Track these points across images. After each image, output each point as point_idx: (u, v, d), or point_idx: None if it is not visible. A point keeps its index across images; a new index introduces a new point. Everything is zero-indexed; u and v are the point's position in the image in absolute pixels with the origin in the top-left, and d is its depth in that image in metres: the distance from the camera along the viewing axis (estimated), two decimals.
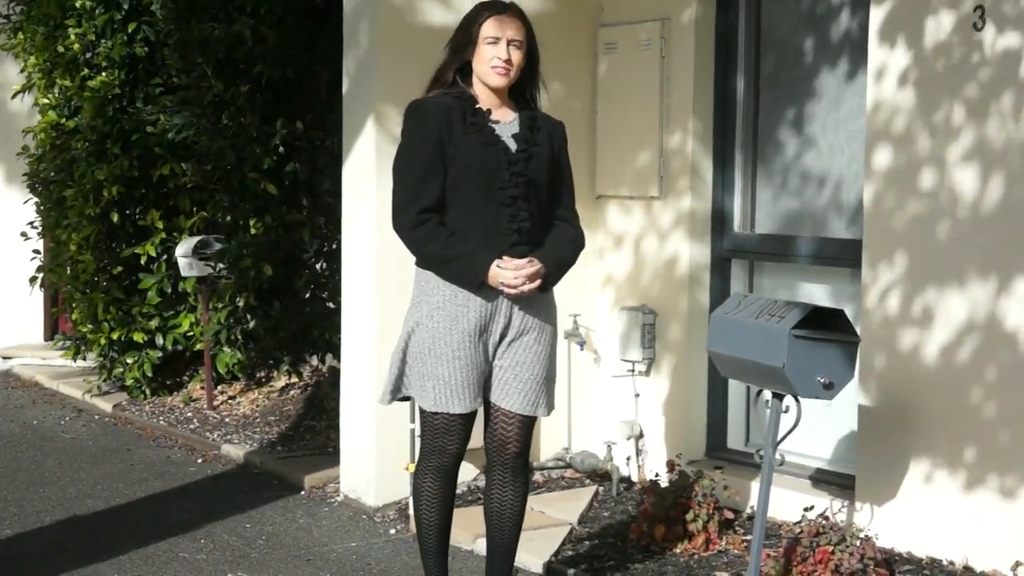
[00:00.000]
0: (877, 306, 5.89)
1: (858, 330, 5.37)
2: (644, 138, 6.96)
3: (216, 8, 8.68)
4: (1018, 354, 5.41)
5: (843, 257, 6.30)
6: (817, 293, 6.55)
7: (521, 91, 4.72)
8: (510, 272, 4.48)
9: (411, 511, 6.51)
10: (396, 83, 6.65)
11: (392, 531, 6.45)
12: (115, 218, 9.52)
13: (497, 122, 4.63)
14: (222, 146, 8.56)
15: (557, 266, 4.66)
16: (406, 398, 4.77)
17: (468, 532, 6.17)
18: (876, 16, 5.84)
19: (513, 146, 4.61)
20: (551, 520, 6.13)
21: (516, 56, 4.58)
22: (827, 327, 4.92)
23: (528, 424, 4.82)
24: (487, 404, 4.79)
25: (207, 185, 9.02)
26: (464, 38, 4.62)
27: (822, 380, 4.89)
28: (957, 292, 5.60)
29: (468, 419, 4.69)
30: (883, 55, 5.83)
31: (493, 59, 4.55)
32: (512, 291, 4.51)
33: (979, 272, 5.52)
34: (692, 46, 6.77)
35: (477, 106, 4.62)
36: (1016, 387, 5.41)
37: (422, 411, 4.70)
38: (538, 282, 4.55)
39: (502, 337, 4.65)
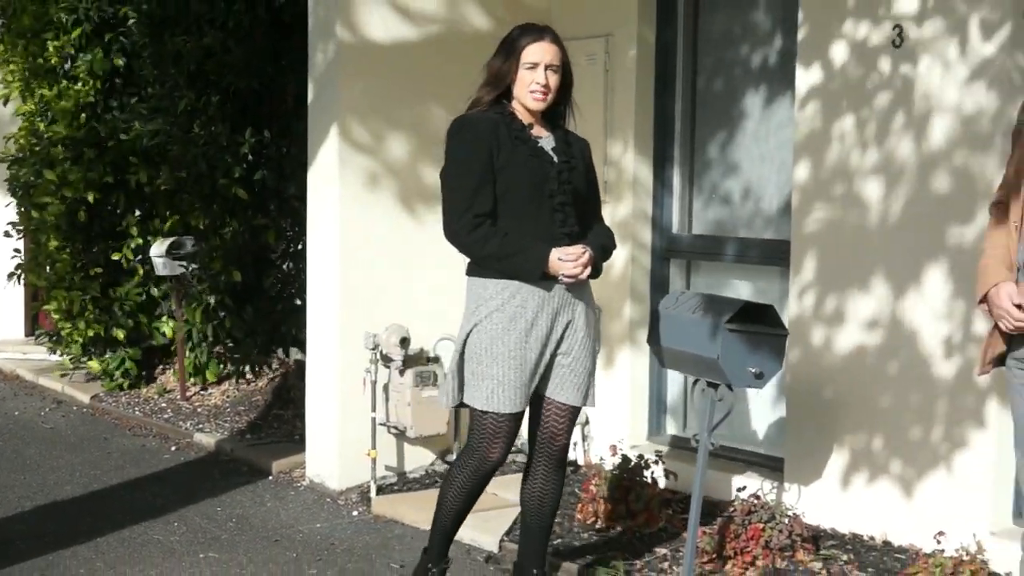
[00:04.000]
0: (803, 301, 5.95)
1: (786, 324, 5.44)
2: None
3: (188, 22, 8.63)
4: (923, 348, 5.49)
5: (772, 256, 6.35)
6: (748, 290, 6.58)
7: (553, 108, 4.70)
8: (570, 262, 4.46)
9: (372, 494, 6.58)
10: (358, 95, 6.69)
11: (355, 513, 6.46)
12: (82, 216, 9.47)
13: (539, 138, 4.62)
14: (194, 153, 8.56)
15: (602, 253, 4.68)
16: (464, 404, 4.67)
17: (426, 513, 6.08)
18: (803, 34, 5.90)
19: (556, 159, 4.61)
20: (504, 501, 6.15)
21: (553, 80, 4.56)
22: (758, 321, 4.93)
23: (576, 416, 4.82)
24: (537, 398, 4.71)
25: (180, 190, 9.01)
26: (505, 64, 4.56)
27: (753, 370, 4.90)
28: (869, 290, 5.68)
29: (516, 423, 4.62)
30: (808, 71, 5.88)
31: (532, 84, 4.53)
32: (570, 279, 4.49)
33: (886, 273, 5.61)
34: (633, 61, 6.79)
35: (519, 120, 4.59)
36: (920, 379, 5.50)
37: (472, 410, 4.60)
38: (590, 269, 4.54)
39: (556, 332, 4.60)
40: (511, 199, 4.51)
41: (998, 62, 5.19)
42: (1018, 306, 3.91)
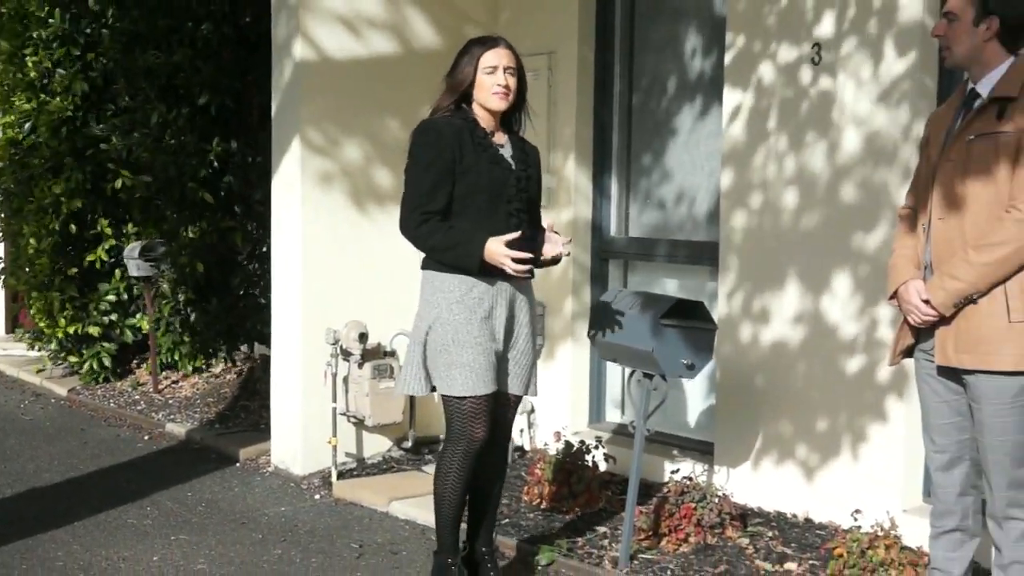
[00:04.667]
0: (731, 299, 5.99)
1: (715, 319, 5.48)
2: None
3: (158, 40, 8.62)
4: (838, 341, 5.55)
5: (702, 257, 6.38)
6: (680, 288, 6.59)
7: (510, 114, 4.68)
8: (522, 264, 4.42)
9: (333, 479, 6.57)
10: (318, 108, 6.69)
11: (317, 497, 6.45)
12: (73, 229, 9.45)
13: (500, 145, 4.62)
14: (165, 161, 8.54)
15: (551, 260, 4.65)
16: (432, 388, 4.62)
17: (383, 496, 6.22)
18: (730, 53, 5.94)
19: (514, 166, 4.60)
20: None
21: (512, 82, 4.55)
22: (689, 317, 4.98)
23: (518, 404, 4.80)
24: None
25: (152, 196, 8.97)
26: (463, 72, 4.55)
27: (685, 362, 4.95)
28: (790, 288, 5.72)
29: (492, 401, 4.56)
30: (735, 86, 5.92)
31: (494, 86, 4.51)
32: (513, 272, 4.42)
33: (804, 273, 5.66)
34: (574, 77, 6.81)
35: (482, 128, 4.58)
36: (837, 369, 5.55)
37: (450, 399, 4.54)
38: (530, 266, 4.51)
39: (507, 327, 4.59)
40: (470, 202, 4.50)
41: (907, 81, 5.25)
42: (926, 301, 3.97)
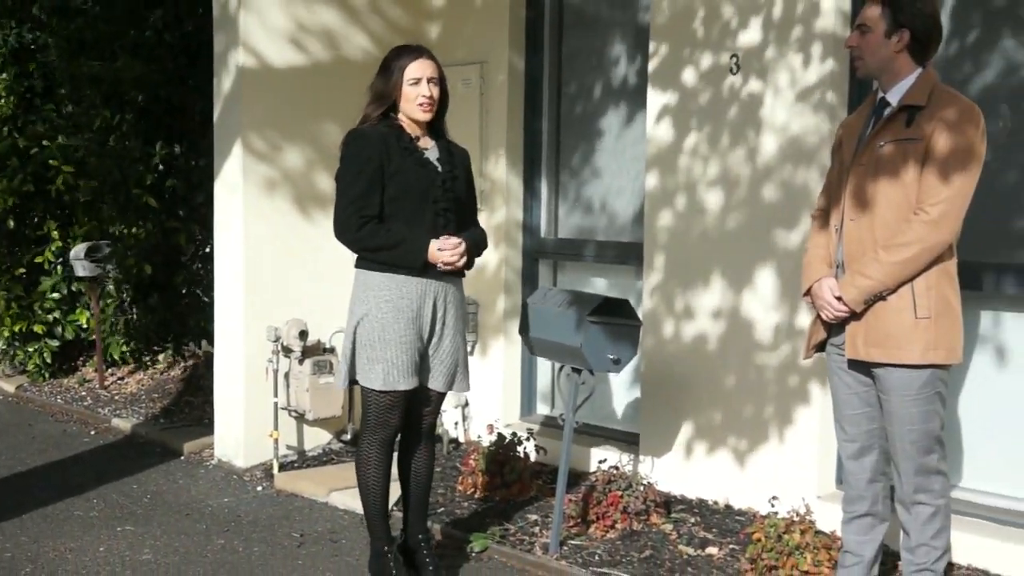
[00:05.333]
0: (655, 296, 6.00)
1: (640, 316, 5.50)
2: None
3: (102, 47, 8.53)
4: (756, 336, 5.59)
5: (627, 257, 6.40)
6: (607, 286, 6.62)
7: (434, 120, 4.67)
8: (448, 251, 4.47)
9: (274, 471, 6.53)
10: (258, 114, 6.63)
11: (259, 488, 6.39)
12: (10, 224, 9.30)
13: (426, 149, 4.61)
14: (109, 165, 8.46)
15: (475, 247, 4.65)
16: (355, 382, 4.62)
17: (323, 487, 6.18)
18: (654, 61, 5.95)
19: (440, 168, 4.60)
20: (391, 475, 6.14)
21: (435, 92, 4.55)
22: (615, 314, 4.99)
23: (442, 400, 4.80)
24: None
25: (97, 198, 8.87)
26: (389, 82, 4.54)
27: (612, 357, 4.96)
28: (710, 286, 5.75)
29: (408, 395, 4.58)
30: (659, 93, 5.94)
31: (418, 97, 4.51)
32: (448, 266, 4.49)
33: (725, 271, 5.69)
34: (505, 85, 6.80)
35: (408, 134, 4.58)
36: (756, 363, 5.58)
37: (369, 391, 4.55)
38: (466, 258, 4.55)
39: (432, 326, 4.59)
40: (400, 203, 4.50)
41: (822, 88, 5.30)
42: (838, 298, 4.00)
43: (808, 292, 4.16)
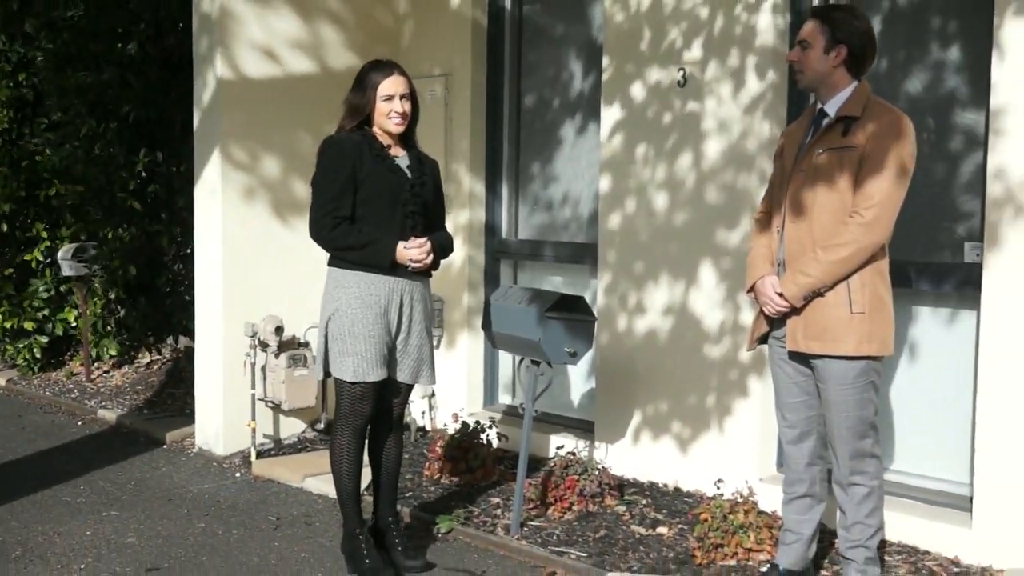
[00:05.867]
0: (608, 293, 6.02)
1: (594, 312, 5.50)
2: None
3: (88, 60, 8.48)
4: (702, 330, 5.61)
5: (583, 256, 6.41)
6: (564, 284, 6.62)
7: (406, 132, 4.66)
8: (415, 249, 4.49)
9: (252, 458, 6.50)
10: (236, 123, 6.59)
11: (237, 475, 6.36)
12: (4, 228, 9.21)
13: (396, 157, 4.60)
14: (95, 171, 8.41)
15: (441, 249, 4.67)
16: (329, 374, 4.62)
17: (298, 473, 6.16)
18: (606, 74, 5.96)
19: (410, 174, 4.59)
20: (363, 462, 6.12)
21: (407, 107, 4.55)
22: (571, 310, 5.00)
23: (410, 391, 4.81)
24: None
25: (83, 203, 8.81)
26: (364, 98, 4.53)
27: (568, 350, 4.97)
28: (660, 283, 5.76)
29: (378, 386, 4.58)
30: (611, 104, 5.95)
31: (391, 112, 4.51)
32: (416, 264, 4.51)
33: (673, 269, 5.70)
34: (469, 97, 6.80)
35: (379, 142, 4.57)
36: (702, 355, 5.60)
37: (342, 382, 4.55)
38: (432, 256, 4.57)
39: (399, 322, 4.59)
40: (370, 206, 4.50)
41: (762, 100, 5.32)
42: (779, 294, 4.02)
43: (752, 289, 4.18)
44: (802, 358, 4.10)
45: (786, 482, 4.33)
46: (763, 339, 4.28)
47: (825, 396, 4.03)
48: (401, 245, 4.50)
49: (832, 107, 4.03)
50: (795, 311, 4.02)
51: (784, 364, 4.19)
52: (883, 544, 4.82)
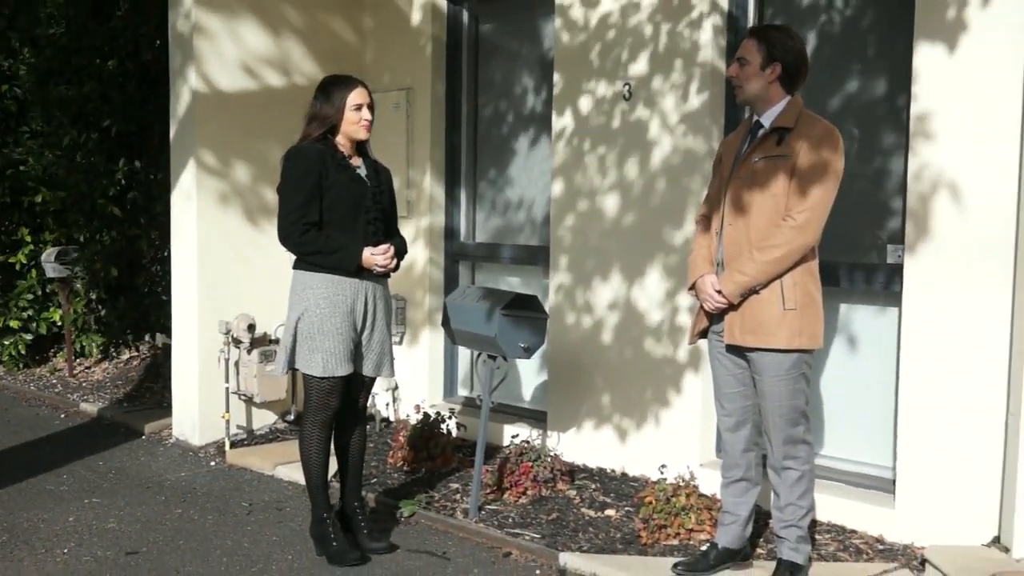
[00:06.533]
0: (560, 291, 6.01)
1: (547, 309, 5.49)
2: (394, 174, 6.90)
3: (70, 74, 8.41)
4: (647, 325, 5.61)
5: (536, 258, 6.40)
6: (519, 284, 6.62)
7: (362, 142, 4.65)
8: (381, 256, 4.49)
9: (226, 448, 6.43)
10: (210, 132, 6.53)
11: (212, 463, 6.29)
12: None
13: (357, 167, 4.58)
14: (77, 179, 8.36)
15: (399, 253, 4.66)
16: (294, 369, 4.58)
17: (269, 462, 6.10)
18: (557, 88, 5.96)
19: (369, 183, 4.57)
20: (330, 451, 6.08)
21: (371, 115, 4.57)
22: (525, 308, 4.99)
23: (372, 383, 4.78)
24: None
25: (66, 209, 8.72)
26: (334, 107, 4.50)
27: (523, 345, 4.96)
28: (608, 282, 5.77)
29: (346, 381, 4.57)
30: (562, 115, 5.94)
31: (360, 120, 4.52)
32: (382, 269, 4.51)
33: (620, 269, 5.71)
34: (429, 108, 6.77)
35: (341, 152, 4.55)
36: (647, 348, 5.61)
37: (311, 378, 4.51)
38: (395, 260, 4.59)
39: (364, 320, 4.57)
40: (335, 213, 4.48)
41: (702, 111, 5.34)
42: (718, 292, 4.02)
43: (693, 286, 4.18)
44: (739, 351, 4.10)
45: (724, 467, 4.33)
46: (703, 334, 4.28)
47: (760, 387, 4.04)
48: (368, 251, 4.49)
49: (767, 119, 4.04)
50: (732, 307, 4.02)
51: (722, 357, 4.19)
52: (814, 523, 4.86)
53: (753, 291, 3.95)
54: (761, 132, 4.04)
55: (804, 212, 3.87)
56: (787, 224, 3.88)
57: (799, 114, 3.99)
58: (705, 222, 4.24)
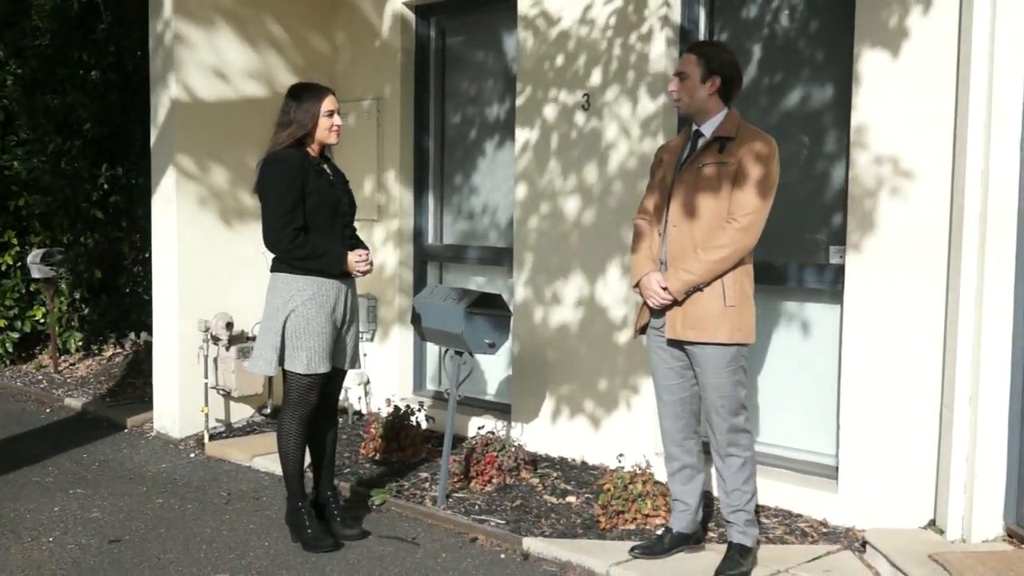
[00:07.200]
0: (524, 289, 6.06)
1: (511, 307, 5.54)
2: (366, 179, 6.96)
3: (55, 83, 8.38)
4: (607, 321, 5.66)
5: (501, 258, 6.44)
6: (485, 283, 6.64)
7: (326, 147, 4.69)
8: (363, 262, 4.58)
9: (205, 440, 6.45)
10: (189, 139, 6.54)
11: (192, 455, 6.32)
12: None
13: (329, 172, 4.61)
14: (61, 184, 8.32)
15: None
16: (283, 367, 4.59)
17: (247, 453, 6.14)
18: (520, 97, 6.01)
19: (339, 188, 4.63)
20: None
21: (341, 122, 4.62)
22: (491, 306, 5.03)
23: (344, 378, 4.82)
24: None
25: (50, 212, 8.70)
26: (309, 113, 4.51)
27: (488, 341, 5.00)
28: (569, 280, 5.81)
29: (325, 376, 4.59)
30: (524, 122, 5.99)
31: (332, 125, 4.54)
32: (362, 273, 4.60)
33: (581, 267, 5.77)
34: (398, 116, 6.79)
35: (314, 158, 4.57)
36: (606, 343, 5.66)
37: (293, 374, 4.53)
38: (371, 265, 4.67)
39: (343, 318, 4.61)
40: (316, 217, 4.50)
41: (655, 117, 5.41)
42: (664, 288, 4.08)
43: (637, 284, 4.23)
44: (679, 345, 4.17)
45: (667, 458, 4.38)
46: (645, 328, 4.32)
47: (702, 380, 4.10)
48: (351, 256, 4.56)
49: (708, 128, 4.12)
50: (676, 304, 4.08)
51: (661, 351, 4.24)
52: (761, 508, 4.93)
53: (697, 288, 4.02)
54: (702, 141, 4.11)
55: (748, 215, 3.95)
56: (732, 226, 3.96)
57: (738, 124, 4.08)
58: (645, 224, 4.28)
